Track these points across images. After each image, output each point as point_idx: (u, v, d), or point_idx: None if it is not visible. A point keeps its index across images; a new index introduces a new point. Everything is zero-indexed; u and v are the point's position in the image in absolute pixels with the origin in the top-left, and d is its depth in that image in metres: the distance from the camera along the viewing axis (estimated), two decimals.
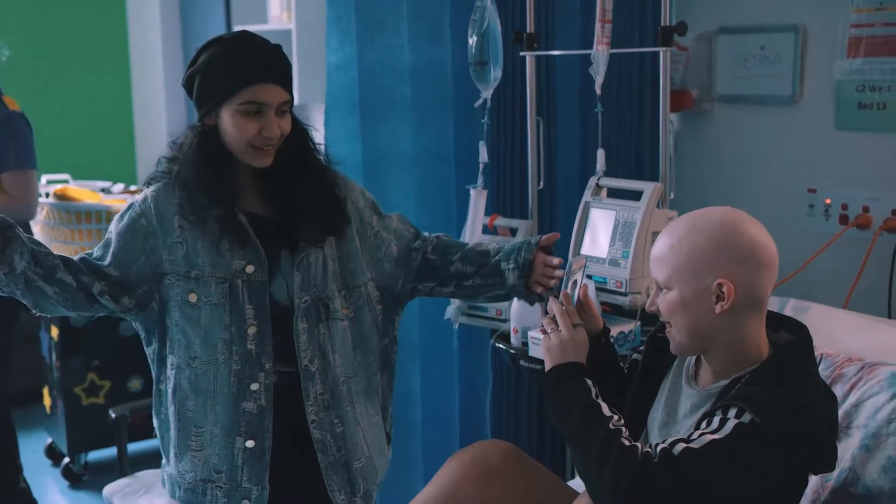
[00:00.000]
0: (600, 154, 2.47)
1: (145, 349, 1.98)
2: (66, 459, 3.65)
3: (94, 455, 3.76)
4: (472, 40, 2.46)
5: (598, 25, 2.32)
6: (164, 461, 2.00)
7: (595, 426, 1.58)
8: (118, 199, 3.65)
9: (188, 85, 1.86)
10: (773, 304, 2.35)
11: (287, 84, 1.84)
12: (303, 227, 1.88)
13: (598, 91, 2.37)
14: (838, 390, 1.89)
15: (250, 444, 1.86)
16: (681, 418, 1.70)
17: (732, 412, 1.52)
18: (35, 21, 4.57)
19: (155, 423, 1.98)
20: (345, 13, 2.69)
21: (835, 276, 2.66)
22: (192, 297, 1.84)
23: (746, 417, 1.50)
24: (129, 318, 1.95)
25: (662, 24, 2.34)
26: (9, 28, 3.10)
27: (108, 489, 2.50)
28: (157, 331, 1.93)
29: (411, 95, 2.76)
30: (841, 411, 1.84)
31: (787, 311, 2.29)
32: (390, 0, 2.72)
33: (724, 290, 1.58)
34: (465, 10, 2.59)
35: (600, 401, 1.63)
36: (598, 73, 2.35)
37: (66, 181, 3.88)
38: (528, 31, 2.59)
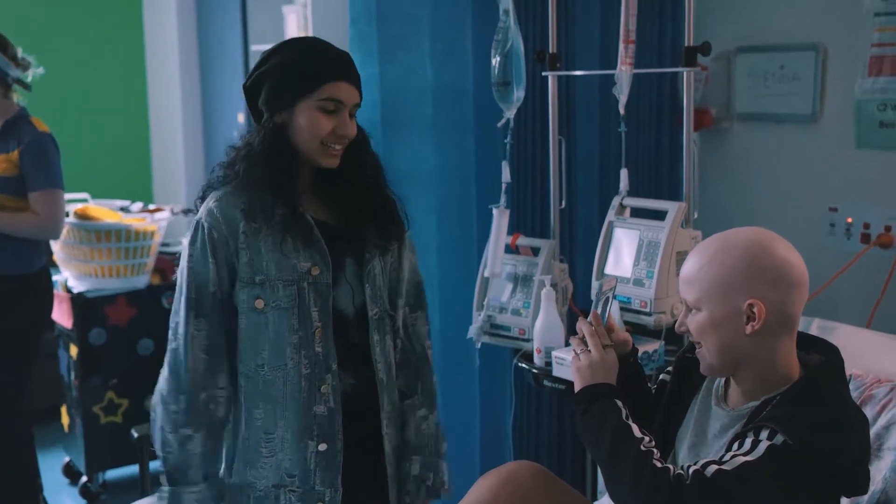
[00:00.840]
0: (624, 173, 2.48)
1: None
2: (84, 478, 3.65)
3: (112, 473, 3.76)
4: (496, 60, 2.46)
5: (621, 46, 2.33)
6: (221, 472, 1.96)
7: (627, 447, 1.58)
8: (137, 218, 3.66)
9: (256, 85, 1.86)
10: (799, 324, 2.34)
11: (360, 88, 1.87)
12: (368, 233, 1.89)
13: (622, 111, 2.38)
14: (868, 412, 1.88)
15: (323, 447, 1.86)
16: (710, 439, 1.70)
17: (764, 434, 1.52)
18: (53, 42, 4.61)
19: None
20: (367, 33, 2.71)
21: (857, 296, 2.65)
22: (259, 304, 1.84)
23: (779, 439, 1.50)
24: None
25: (687, 44, 2.35)
26: (27, 49, 3.12)
27: None
28: None
29: (433, 115, 2.78)
30: (872, 433, 1.84)
31: (813, 331, 2.27)
32: (412, 20, 2.74)
33: (755, 310, 1.58)
34: (485, 30, 2.61)
35: (631, 422, 1.63)
36: (622, 93, 2.35)
37: (84, 200, 3.90)
38: (550, 51, 2.60)
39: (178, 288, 1.87)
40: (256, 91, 1.86)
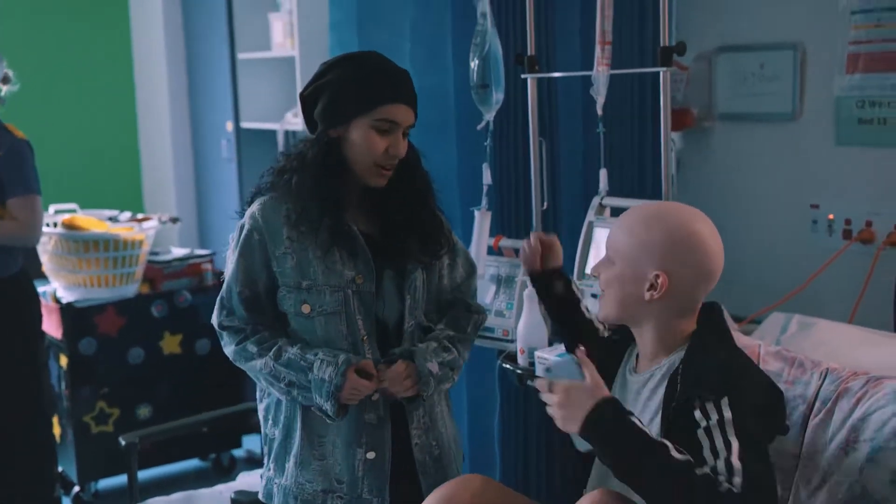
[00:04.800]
0: (603, 174, 2.49)
1: None
2: (77, 488, 3.65)
3: (104, 483, 3.76)
4: (474, 64, 2.48)
5: (598, 47, 2.35)
6: (270, 472, 1.98)
7: (662, 469, 1.50)
8: (125, 228, 3.67)
9: (313, 96, 1.90)
10: (779, 319, 2.35)
11: (416, 108, 1.91)
12: (411, 248, 1.92)
13: (600, 112, 2.40)
14: (844, 405, 1.89)
15: (371, 455, 1.88)
16: (630, 404, 1.74)
17: (709, 407, 1.57)
18: (41, 52, 4.63)
19: (269, 431, 1.98)
20: (348, 39, 2.72)
21: (839, 292, 2.67)
22: (305, 308, 1.87)
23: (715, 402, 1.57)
24: None
25: (662, 44, 2.37)
26: (15, 59, 3.14)
27: None
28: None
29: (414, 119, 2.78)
30: (847, 425, 1.86)
31: (793, 327, 2.29)
32: (392, 25, 2.75)
33: (660, 281, 1.67)
34: (466, 34, 2.62)
35: (643, 427, 1.55)
36: (600, 94, 2.37)
37: (73, 210, 3.91)
38: (528, 53, 2.61)
39: (225, 286, 1.93)
40: (313, 101, 1.90)
